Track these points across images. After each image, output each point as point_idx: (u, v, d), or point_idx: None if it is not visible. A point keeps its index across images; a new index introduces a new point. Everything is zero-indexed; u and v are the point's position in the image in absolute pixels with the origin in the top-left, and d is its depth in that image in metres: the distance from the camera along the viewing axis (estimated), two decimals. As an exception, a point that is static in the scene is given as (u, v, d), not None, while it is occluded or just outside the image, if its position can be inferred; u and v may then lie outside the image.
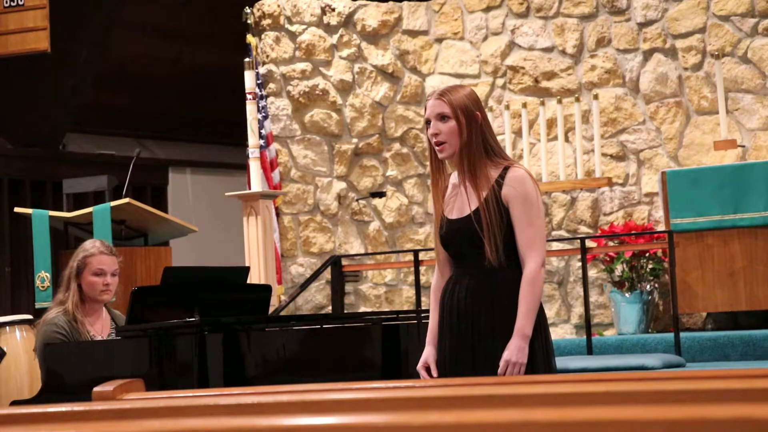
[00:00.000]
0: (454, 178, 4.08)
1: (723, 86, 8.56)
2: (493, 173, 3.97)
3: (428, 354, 4.08)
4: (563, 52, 9.52)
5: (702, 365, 7.51)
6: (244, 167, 9.40)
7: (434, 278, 4.15)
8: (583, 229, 9.27)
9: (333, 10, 9.90)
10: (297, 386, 2.56)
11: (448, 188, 4.08)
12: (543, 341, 3.98)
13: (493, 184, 3.95)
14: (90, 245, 5.49)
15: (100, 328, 5.37)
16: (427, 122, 4.04)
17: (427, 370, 4.06)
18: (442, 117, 4.00)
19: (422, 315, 5.16)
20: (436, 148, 4.01)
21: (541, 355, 3.96)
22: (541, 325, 3.97)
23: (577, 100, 9.02)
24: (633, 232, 8.71)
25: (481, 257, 3.92)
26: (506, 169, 3.97)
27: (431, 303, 4.13)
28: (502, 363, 3.85)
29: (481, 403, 2.17)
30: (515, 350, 3.86)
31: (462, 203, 4.00)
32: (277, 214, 9.48)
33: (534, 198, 3.95)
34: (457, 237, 3.99)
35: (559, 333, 9.24)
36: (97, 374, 4.68)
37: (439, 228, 4.04)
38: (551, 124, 9.22)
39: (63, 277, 5.47)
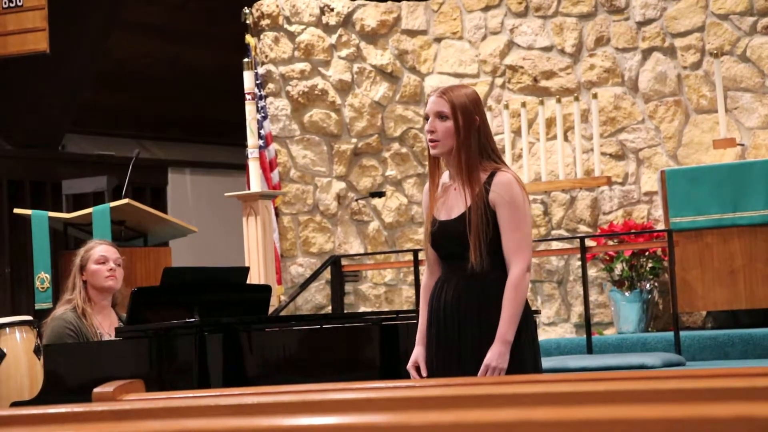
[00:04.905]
0: (445, 178, 4.08)
1: (722, 85, 8.56)
2: (482, 177, 3.97)
3: (418, 353, 4.09)
4: (562, 52, 9.52)
5: (702, 364, 7.50)
6: (243, 167, 9.39)
7: (424, 277, 4.16)
8: (583, 228, 9.27)
9: (332, 10, 9.90)
10: (297, 386, 2.57)
11: (439, 189, 4.08)
12: (530, 342, 3.99)
13: (481, 188, 3.95)
14: (90, 242, 5.65)
15: (108, 326, 5.37)
16: (426, 118, 4.04)
17: (417, 369, 4.07)
18: (440, 116, 4.00)
19: (421, 315, 5.16)
20: (429, 144, 4.01)
21: (529, 356, 3.97)
22: (528, 326, 3.98)
23: (576, 99, 9.01)
24: (632, 231, 8.71)
25: (469, 260, 3.93)
26: (493, 173, 3.96)
27: (421, 302, 4.15)
28: (482, 368, 3.86)
29: (480, 403, 2.17)
30: (496, 355, 3.86)
31: (453, 205, 4.00)
32: (277, 215, 9.48)
33: (521, 202, 3.95)
34: (445, 238, 4.00)
35: (559, 332, 9.24)
36: (97, 375, 4.68)
37: (430, 228, 4.04)
38: (550, 123, 9.22)
39: (68, 282, 5.49)
